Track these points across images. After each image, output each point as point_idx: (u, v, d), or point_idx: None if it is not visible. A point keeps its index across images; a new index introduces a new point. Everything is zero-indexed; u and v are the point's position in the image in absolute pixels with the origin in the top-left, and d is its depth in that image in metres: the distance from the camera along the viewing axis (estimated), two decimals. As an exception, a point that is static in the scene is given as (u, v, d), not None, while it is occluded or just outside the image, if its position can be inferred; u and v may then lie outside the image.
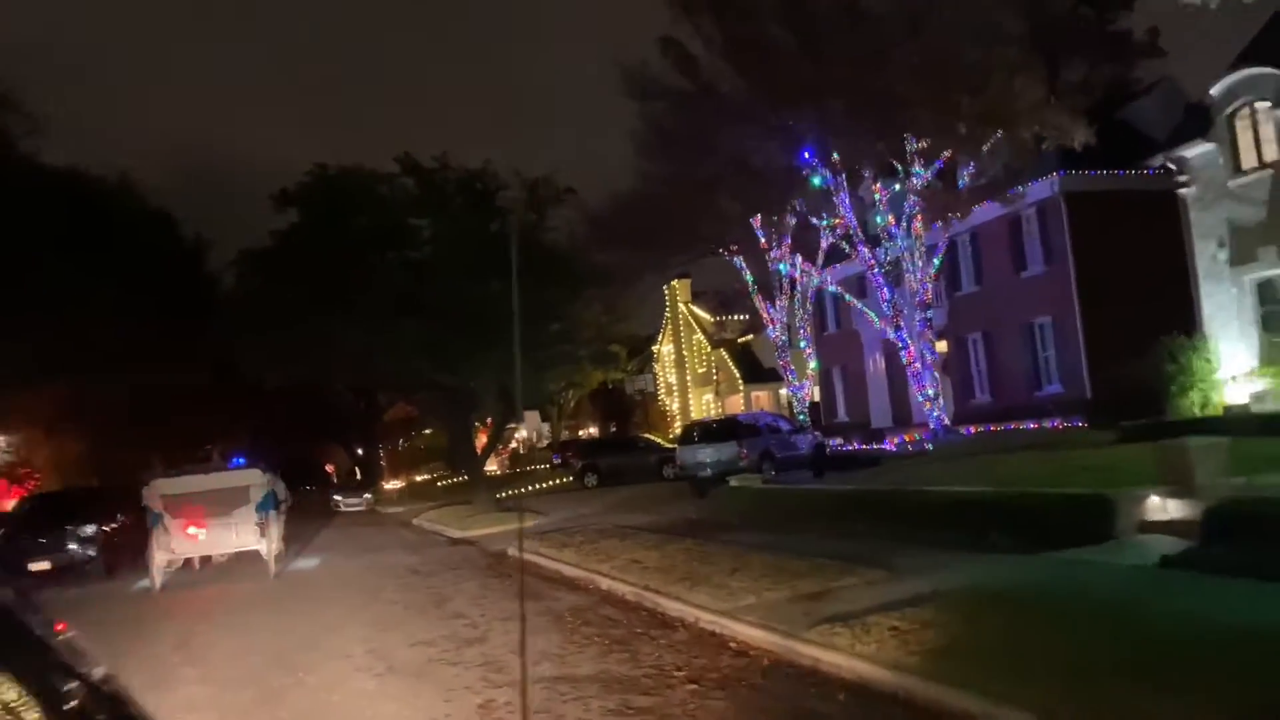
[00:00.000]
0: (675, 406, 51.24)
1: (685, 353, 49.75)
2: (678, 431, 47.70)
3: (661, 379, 53.44)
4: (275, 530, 16.64)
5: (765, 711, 5.99)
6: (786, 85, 24.58)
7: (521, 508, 26.56)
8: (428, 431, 72.55)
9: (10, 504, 46.03)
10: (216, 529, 15.68)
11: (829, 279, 30.44)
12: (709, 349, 47.09)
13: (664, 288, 50.11)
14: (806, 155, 26.00)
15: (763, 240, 31.86)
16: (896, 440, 29.25)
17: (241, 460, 18.34)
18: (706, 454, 22.61)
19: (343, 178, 23.21)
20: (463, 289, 23.39)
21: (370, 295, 22.70)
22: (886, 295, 26.51)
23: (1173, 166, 21.12)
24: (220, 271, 26.40)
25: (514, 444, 77.16)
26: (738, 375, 44.62)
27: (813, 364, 33.97)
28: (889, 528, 12.47)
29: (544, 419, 75.50)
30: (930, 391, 26.52)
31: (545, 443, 69.81)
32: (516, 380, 13.98)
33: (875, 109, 22.93)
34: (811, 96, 23.88)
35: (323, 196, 23.16)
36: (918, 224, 26.16)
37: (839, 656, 6.74)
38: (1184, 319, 20.85)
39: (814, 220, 29.00)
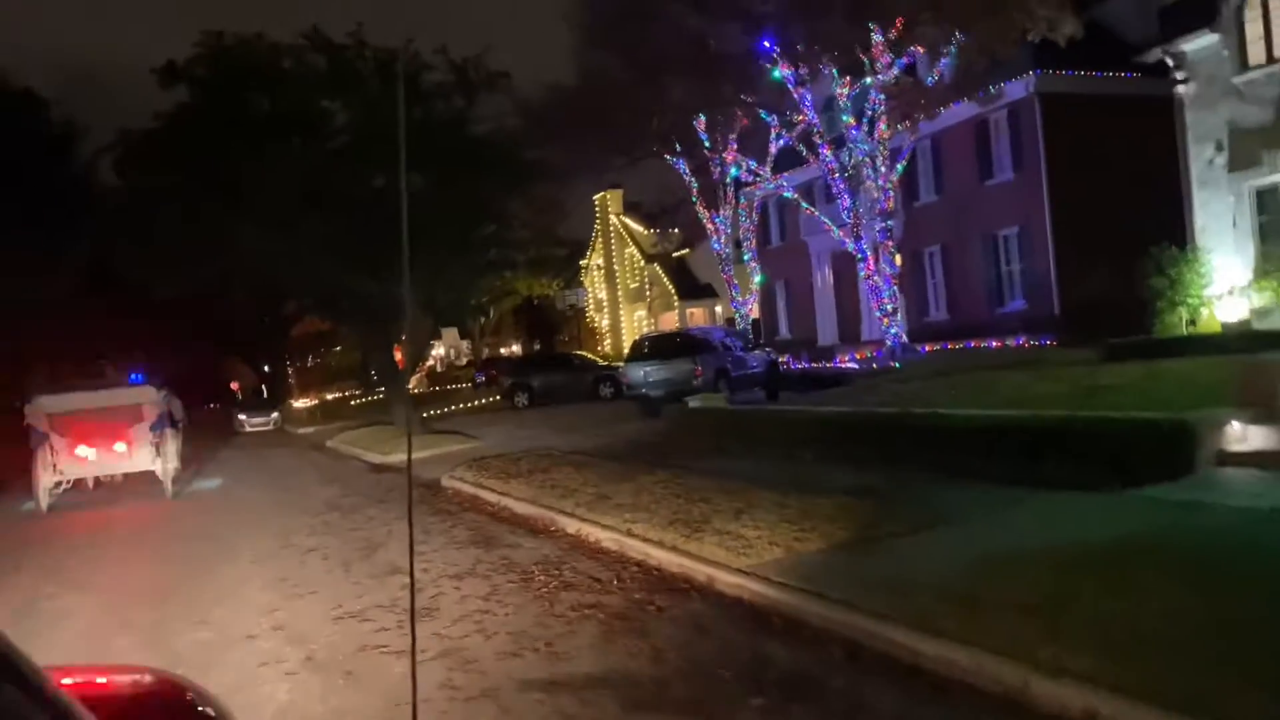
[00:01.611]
0: (605, 323, 49.06)
1: (616, 267, 47.39)
2: (607, 349, 45.70)
3: (590, 295, 51.06)
4: (172, 449, 15.90)
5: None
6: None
7: (447, 430, 24.29)
8: (338, 349, 69.13)
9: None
10: (107, 449, 14.96)
11: (785, 183, 28.22)
12: (642, 263, 44.81)
13: (594, 199, 47.47)
14: (767, 44, 23.58)
15: (707, 142, 29.57)
16: (847, 357, 27.69)
17: (140, 377, 17.35)
18: (658, 371, 20.53)
19: (240, 48, 19.83)
20: (384, 183, 20.64)
21: (274, 188, 19.77)
22: (847, 203, 24.55)
23: (1169, 61, 19.34)
24: (95, 161, 22.75)
25: (431, 362, 74.30)
26: (673, 291, 42.54)
27: (758, 278, 32.08)
28: (900, 457, 10.61)
29: (463, 335, 72.65)
30: (889, 306, 24.88)
31: (465, 361, 67.16)
32: (404, 276, 11.70)
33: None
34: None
35: (216, 71, 19.83)
36: (881, 125, 24.12)
37: (961, 653, 4.75)
38: (1171, 230, 19.35)
39: (766, 118, 26.69)
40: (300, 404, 55.89)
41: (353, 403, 47.71)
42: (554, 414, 26.10)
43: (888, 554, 6.84)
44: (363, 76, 21.55)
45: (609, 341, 47.30)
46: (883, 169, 24.49)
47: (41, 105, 25.11)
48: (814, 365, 27.55)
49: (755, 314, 32.94)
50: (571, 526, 9.73)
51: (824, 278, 31.74)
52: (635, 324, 46.95)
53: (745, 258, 32.20)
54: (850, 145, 24.66)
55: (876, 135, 24.23)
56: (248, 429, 38.13)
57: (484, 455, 16.75)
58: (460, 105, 22.14)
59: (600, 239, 48.48)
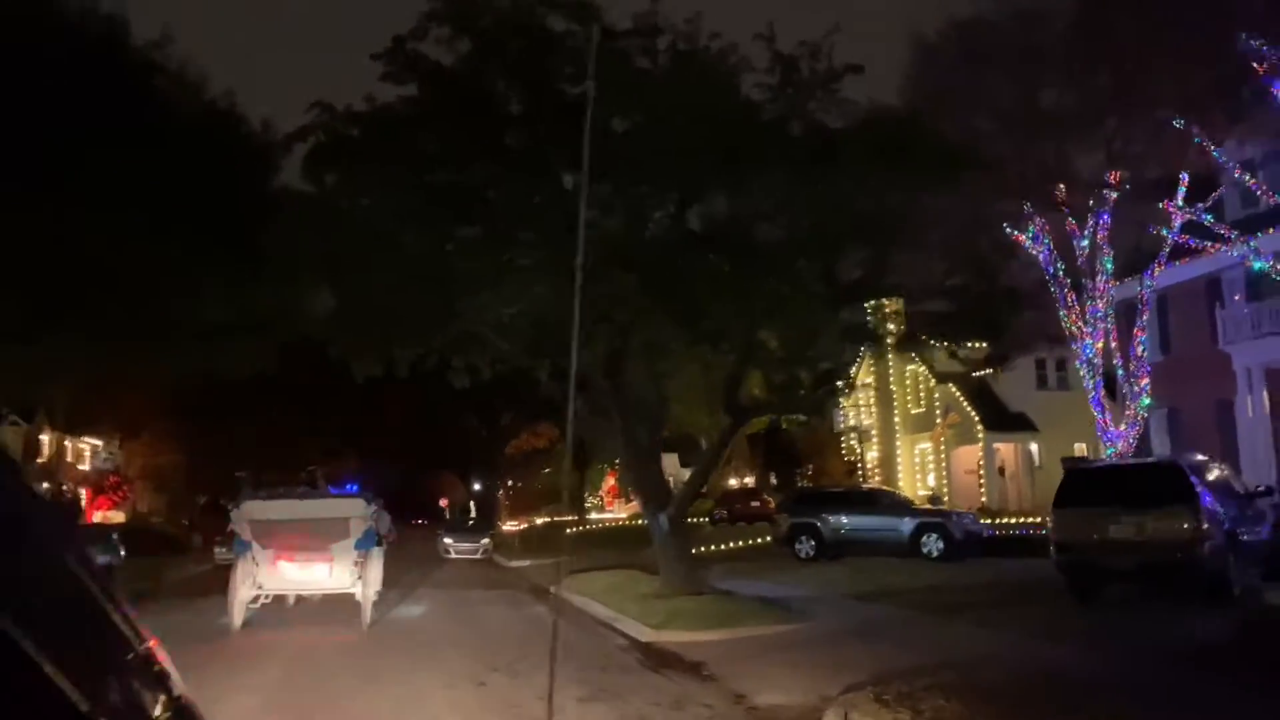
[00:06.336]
0: (873, 455, 40.47)
1: (894, 387, 38.99)
2: (876, 481, 37.00)
3: (851, 419, 42.68)
4: (374, 572, 14.30)
5: None
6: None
7: (733, 588, 16.56)
8: (547, 470, 63.98)
9: (97, 515, 39.27)
10: (309, 565, 13.79)
11: (1260, 249, 19.11)
12: (932, 383, 36.29)
13: (867, 305, 39.70)
14: (1245, 38, 15.57)
15: (1069, 211, 21.58)
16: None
17: (354, 487, 16.81)
18: (1122, 526, 12.09)
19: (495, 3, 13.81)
20: (675, 213, 13.96)
21: (530, 214, 13.52)
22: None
23: None
24: (284, 155, 17.34)
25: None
26: (976, 419, 33.67)
27: (1144, 400, 23.09)
28: None
29: (684, 464, 65.39)
30: None
31: (690, 491, 59.48)
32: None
33: None
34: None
35: (459, 32, 13.86)
36: None
37: None
38: None
39: (1219, 155, 18.32)
40: (510, 527, 50.11)
41: (569, 530, 40.97)
42: (872, 574, 18.00)
43: None
44: (652, 75, 15.15)
45: (878, 478, 38.60)
46: None
47: (237, 121, 20.56)
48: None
49: (1131, 452, 23.76)
50: None
51: (1256, 404, 22.11)
52: (917, 458, 38.16)
53: (1120, 373, 23.43)
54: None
55: None
56: (453, 555, 31.90)
57: (834, 656, 8.86)
58: (780, 111, 15.32)
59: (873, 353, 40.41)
